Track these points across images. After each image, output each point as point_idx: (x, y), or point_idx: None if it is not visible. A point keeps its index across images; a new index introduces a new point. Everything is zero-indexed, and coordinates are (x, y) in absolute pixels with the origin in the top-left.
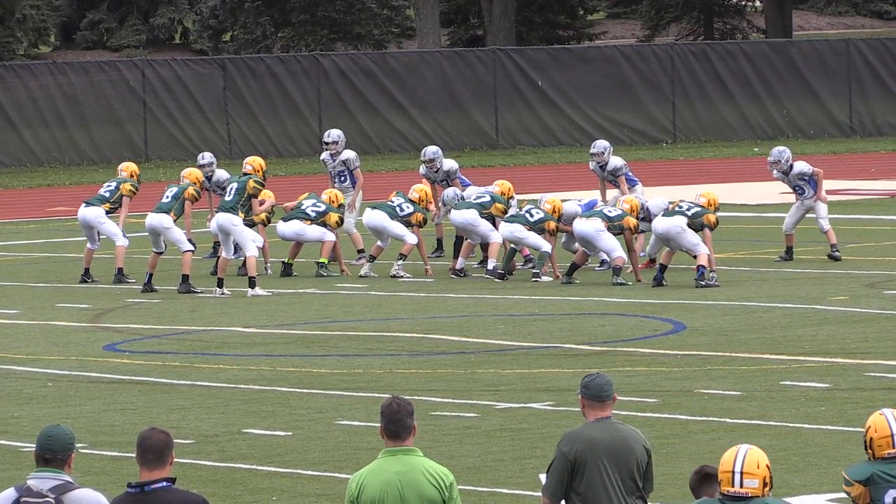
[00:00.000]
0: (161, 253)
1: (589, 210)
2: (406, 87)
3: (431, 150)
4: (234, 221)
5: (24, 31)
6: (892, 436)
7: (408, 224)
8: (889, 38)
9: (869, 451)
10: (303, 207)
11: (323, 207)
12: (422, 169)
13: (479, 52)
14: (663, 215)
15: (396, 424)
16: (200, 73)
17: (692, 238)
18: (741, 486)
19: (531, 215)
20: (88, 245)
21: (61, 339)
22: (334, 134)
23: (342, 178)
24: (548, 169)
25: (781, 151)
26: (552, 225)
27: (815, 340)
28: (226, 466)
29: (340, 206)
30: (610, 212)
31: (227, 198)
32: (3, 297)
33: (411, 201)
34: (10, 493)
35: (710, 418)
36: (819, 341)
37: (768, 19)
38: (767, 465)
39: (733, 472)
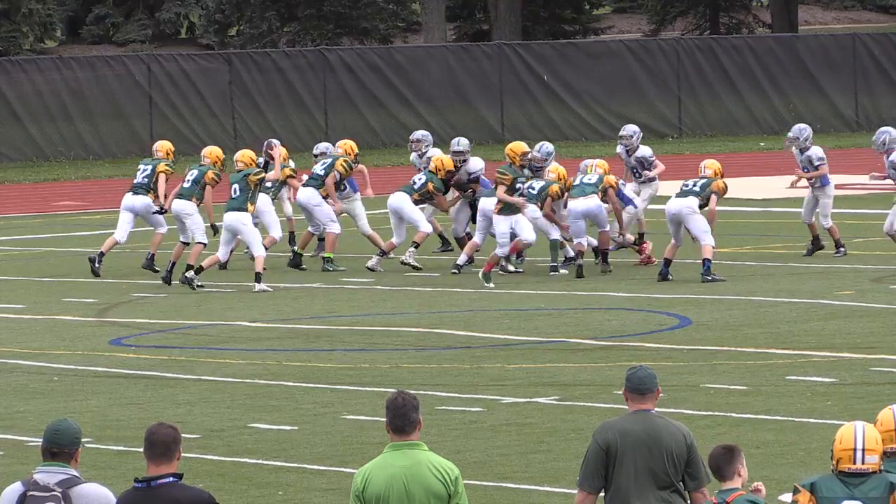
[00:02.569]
0: (187, 243)
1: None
2: (412, 82)
3: (420, 134)
4: (243, 220)
5: (30, 26)
6: (895, 430)
7: (425, 197)
8: (894, 32)
9: None
10: (315, 171)
11: (330, 160)
12: (413, 157)
13: (484, 47)
14: (676, 196)
15: (402, 419)
16: (206, 68)
17: (702, 224)
18: (863, 463)
19: (533, 189)
20: (160, 230)
21: (67, 334)
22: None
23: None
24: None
25: (802, 129)
26: (555, 189)
27: (821, 335)
28: (232, 461)
29: (356, 156)
30: (589, 180)
31: (234, 195)
32: (9, 291)
33: (428, 172)
34: (17, 486)
35: (716, 413)
36: (825, 336)
37: (774, 14)
38: (881, 441)
39: (855, 450)
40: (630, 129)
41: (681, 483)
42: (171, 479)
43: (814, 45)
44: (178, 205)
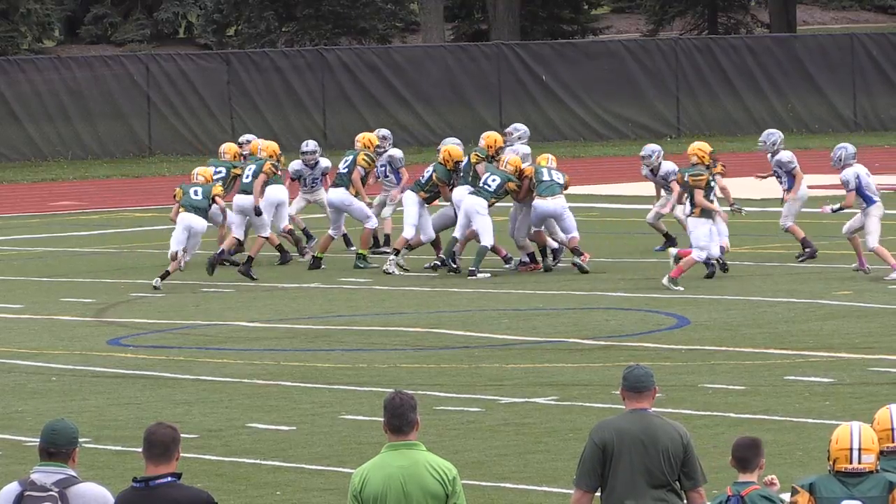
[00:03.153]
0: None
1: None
2: (410, 82)
3: (313, 144)
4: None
5: (29, 26)
6: (892, 430)
7: (433, 192)
8: (893, 32)
9: None
10: (339, 171)
11: (350, 157)
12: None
13: (483, 47)
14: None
15: (400, 419)
16: (204, 68)
17: (723, 228)
18: (860, 463)
19: (489, 186)
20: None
21: (65, 334)
22: (311, 144)
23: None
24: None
25: (770, 133)
26: (512, 185)
27: (819, 335)
28: (230, 461)
29: (375, 148)
30: (558, 178)
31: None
32: (7, 291)
33: (437, 164)
34: (14, 486)
35: (715, 413)
36: (823, 336)
37: (772, 14)
38: (877, 441)
39: (852, 450)
40: (648, 149)
41: (677, 482)
42: (170, 478)
43: (812, 45)
44: (244, 199)
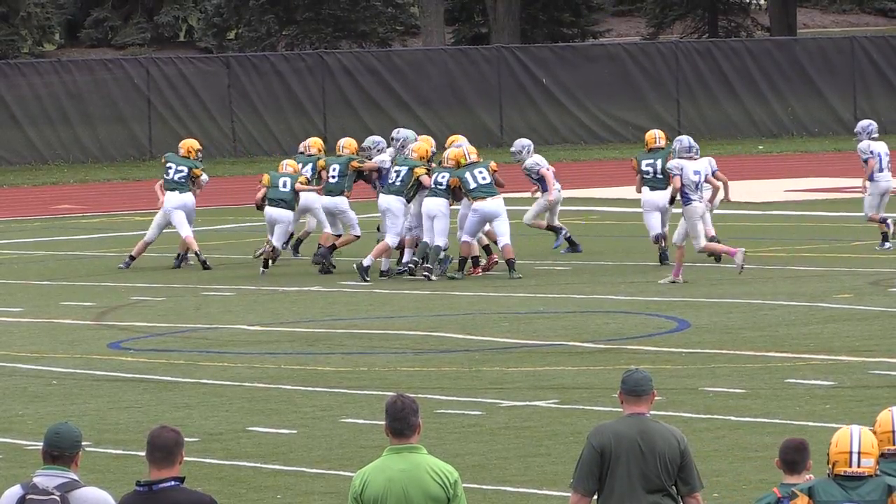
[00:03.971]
0: (339, 236)
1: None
2: (410, 85)
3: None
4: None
5: (29, 29)
6: (892, 432)
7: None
8: (893, 35)
9: None
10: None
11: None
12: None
13: (483, 50)
14: (653, 189)
15: (401, 422)
16: (205, 71)
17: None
18: (859, 466)
19: (440, 185)
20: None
21: (66, 337)
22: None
23: None
24: (552, 167)
25: (520, 144)
26: (455, 181)
27: (819, 338)
28: (230, 464)
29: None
30: (485, 179)
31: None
32: (7, 294)
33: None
34: (17, 490)
35: (715, 416)
36: (823, 339)
37: (773, 17)
38: (876, 445)
39: (851, 453)
40: (518, 144)
41: (673, 487)
42: (173, 482)
43: (812, 49)
44: (330, 201)
